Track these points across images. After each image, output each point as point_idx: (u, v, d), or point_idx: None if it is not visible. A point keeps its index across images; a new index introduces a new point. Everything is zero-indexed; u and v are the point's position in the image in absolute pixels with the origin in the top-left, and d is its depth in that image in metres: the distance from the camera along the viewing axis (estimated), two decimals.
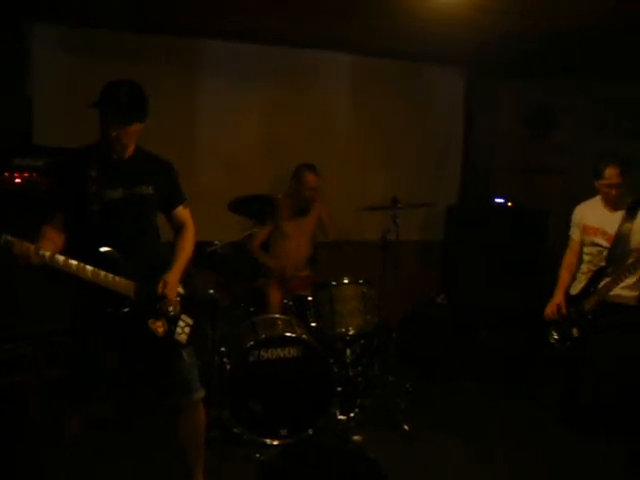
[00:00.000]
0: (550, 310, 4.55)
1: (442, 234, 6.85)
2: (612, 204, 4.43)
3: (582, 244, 4.60)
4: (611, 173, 4.32)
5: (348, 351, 4.83)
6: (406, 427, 4.61)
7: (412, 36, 5.46)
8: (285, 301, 5.08)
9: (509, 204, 6.41)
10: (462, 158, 7.05)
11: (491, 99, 7.08)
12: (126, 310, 3.16)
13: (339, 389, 4.56)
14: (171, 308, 3.30)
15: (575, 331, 4.40)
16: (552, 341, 4.54)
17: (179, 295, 3.36)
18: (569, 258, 4.68)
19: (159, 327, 3.27)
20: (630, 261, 4.22)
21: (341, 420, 4.56)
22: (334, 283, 4.83)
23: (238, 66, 6.01)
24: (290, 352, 4.43)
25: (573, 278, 4.61)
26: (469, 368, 5.71)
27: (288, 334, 4.46)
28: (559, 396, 4.84)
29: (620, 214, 4.40)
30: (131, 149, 3.25)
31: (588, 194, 4.66)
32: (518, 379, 5.63)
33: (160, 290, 3.22)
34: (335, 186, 6.05)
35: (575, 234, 4.65)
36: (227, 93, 6.00)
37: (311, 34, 5.70)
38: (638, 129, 7.53)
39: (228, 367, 4.37)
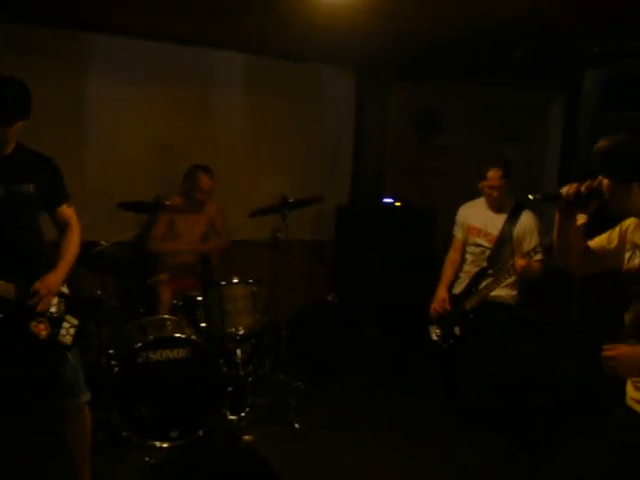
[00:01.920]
0: (435, 306, 4.66)
1: (333, 233, 6.92)
2: (495, 206, 4.56)
3: (465, 243, 4.72)
4: (494, 175, 4.46)
5: (238, 351, 4.81)
6: (297, 425, 4.65)
7: (302, 37, 5.49)
8: (175, 301, 5.02)
9: (397, 204, 6.55)
10: (352, 158, 7.13)
11: (381, 101, 7.20)
12: (1, 316, 3.06)
13: (229, 389, 4.52)
14: (54, 309, 3.21)
15: (457, 330, 4.52)
16: (434, 338, 4.64)
17: (63, 295, 3.27)
18: (452, 255, 4.80)
19: (42, 330, 3.17)
20: (511, 262, 4.35)
21: (232, 420, 4.53)
22: (223, 283, 4.81)
23: (131, 63, 5.88)
24: (179, 353, 4.37)
25: (457, 276, 4.73)
26: (358, 365, 5.81)
27: (177, 335, 4.41)
28: (442, 392, 4.97)
29: (503, 216, 4.54)
30: (11, 146, 3.14)
31: (474, 195, 4.79)
32: (405, 375, 5.77)
33: (34, 289, 3.12)
34: (227, 186, 6.02)
35: (458, 233, 4.78)
36: (119, 91, 5.86)
37: (203, 32, 5.66)
38: (519, 133, 7.85)
39: (116, 369, 4.27)
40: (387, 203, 6.61)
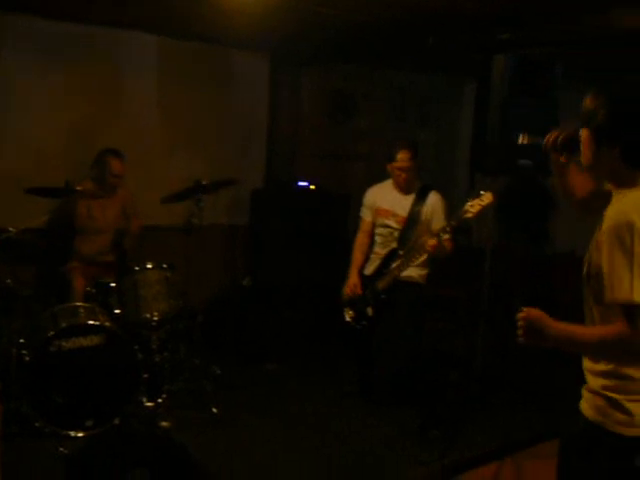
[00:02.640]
0: (347, 290, 4.71)
1: (248, 217, 6.90)
2: (403, 187, 4.63)
3: (374, 225, 4.77)
4: (403, 157, 4.52)
5: (154, 337, 4.77)
6: (214, 410, 4.65)
7: (214, 20, 5.42)
8: (88, 288, 4.92)
9: (312, 187, 6.58)
10: (267, 142, 7.12)
11: (295, 85, 7.22)
12: None
13: (145, 376, 4.49)
14: None
15: (370, 310, 4.58)
16: (348, 320, 4.69)
17: None
18: (361, 238, 4.84)
19: None
20: (420, 242, 4.41)
21: (148, 407, 4.51)
22: (137, 268, 4.74)
23: (39, 44, 5.69)
24: (93, 341, 4.30)
25: (367, 258, 4.78)
26: (275, 348, 5.85)
27: (90, 322, 4.33)
28: (357, 372, 5.05)
29: (411, 197, 4.62)
30: None
31: (387, 178, 4.85)
32: (321, 357, 5.84)
33: None
34: (139, 170, 5.92)
35: (366, 215, 4.81)
36: (29, 72, 5.69)
37: (116, 14, 5.53)
38: (431, 117, 8.01)
39: (27, 358, 4.15)
40: (301, 187, 6.64)
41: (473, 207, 4.11)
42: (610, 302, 2.05)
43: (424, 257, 4.47)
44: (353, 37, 5.93)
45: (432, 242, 4.25)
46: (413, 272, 4.54)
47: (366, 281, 4.66)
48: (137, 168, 5.80)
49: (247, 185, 6.74)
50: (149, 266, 4.78)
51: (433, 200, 4.57)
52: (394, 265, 4.52)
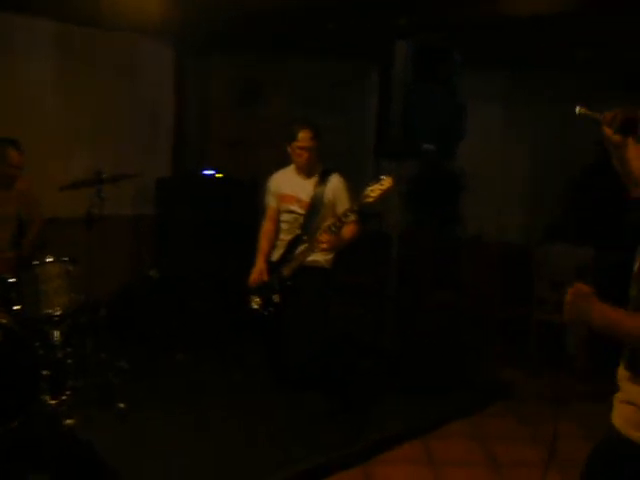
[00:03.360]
0: (253, 277, 4.67)
1: (154, 207, 6.77)
2: (305, 170, 4.57)
3: (279, 212, 4.73)
4: (304, 135, 4.47)
5: (56, 333, 4.62)
6: (121, 405, 4.55)
7: (112, 5, 5.29)
8: None
9: (218, 175, 6.51)
10: (174, 130, 7.00)
11: (203, 72, 7.12)
12: None
13: (46, 373, 4.34)
14: None
15: (276, 297, 4.55)
16: (255, 307, 4.65)
17: None
18: (266, 225, 4.79)
19: None
20: (324, 227, 4.34)
21: (51, 405, 4.35)
22: (37, 263, 4.58)
23: None
24: None
25: (274, 245, 4.75)
26: (184, 339, 5.78)
27: None
28: (266, 360, 5.02)
29: (313, 181, 4.58)
30: None
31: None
32: (230, 346, 5.81)
33: None
34: (38, 161, 5.71)
35: (271, 202, 4.76)
36: None
37: None
38: (340, 103, 8.03)
39: None
40: (208, 175, 6.55)
41: (373, 192, 4.11)
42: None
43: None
44: (257, 24, 5.88)
45: (323, 239, 4.23)
46: (318, 257, 4.51)
47: (272, 268, 4.62)
48: (36, 158, 5.59)
49: (154, 174, 6.62)
50: (49, 260, 4.62)
51: (334, 183, 4.54)
52: (299, 251, 4.49)
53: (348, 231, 4.43)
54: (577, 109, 2.27)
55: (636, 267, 2.02)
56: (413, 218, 7.20)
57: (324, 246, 4.28)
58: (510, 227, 7.42)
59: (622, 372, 2.11)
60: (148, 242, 6.77)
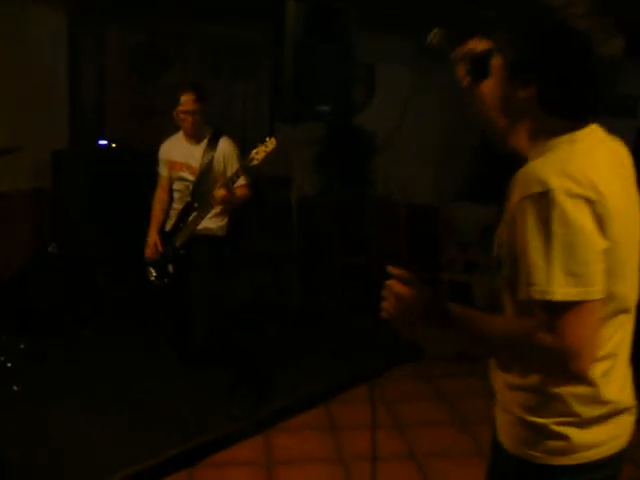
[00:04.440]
0: (149, 251, 4.55)
1: (51, 181, 6.51)
2: (192, 134, 4.44)
3: (172, 180, 4.60)
4: (187, 99, 4.34)
5: None
6: (15, 387, 4.39)
7: None
8: None
9: (113, 146, 6.30)
10: (69, 101, 6.72)
11: (98, 40, 6.84)
12: None
13: None
14: None
15: (171, 267, 4.45)
16: (152, 279, 4.55)
17: None
18: (159, 194, 4.67)
19: None
20: (213, 193, 4.22)
21: None
22: None
23: None
24: None
25: (168, 216, 4.62)
26: (88, 316, 5.61)
27: None
28: (170, 332, 4.92)
29: (202, 146, 4.46)
30: None
31: None
32: (135, 321, 5.66)
33: None
34: None
35: (163, 170, 4.64)
36: None
37: None
38: (247, 69, 7.86)
39: None
40: (103, 146, 6.33)
41: (258, 154, 4.03)
42: (524, 298, 1.53)
43: (220, 208, 4.33)
44: None
45: (221, 192, 4.12)
46: (211, 224, 4.40)
47: (166, 238, 4.51)
48: None
49: (50, 146, 6.36)
50: None
51: (224, 146, 4.42)
52: (190, 219, 4.39)
53: (240, 193, 4.33)
54: (431, 36, 1.99)
55: (494, 251, 1.74)
56: (322, 181, 7.12)
57: (218, 201, 4.16)
58: (420, 188, 7.41)
59: (496, 376, 1.82)
60: (47, 217, 6.52)
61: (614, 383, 1.67)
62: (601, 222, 1.49)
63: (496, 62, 1.65)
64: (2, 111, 6.15)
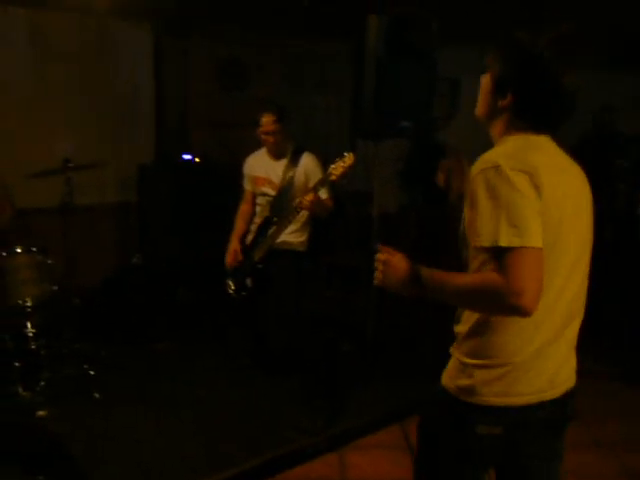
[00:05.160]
0: (229, 258, 4.61)
1: (136, 194, 6.67)
2: (274, 152, 4.53)
3: (254, 195, 4.67)
4: (266, 120, 4.42)
5: (28, 324, 4.56)
6: (97, 395, 4.49)
7: None
8: None
9: (197, 160, 6.41)
10: (155, 115, 6.89)
11: (182, 54, 6.99)
12: None
13: (18, 364, 4.29)
14: None
15: (249, 281, 4.49)
16: (230, 292, 4.61)
17: None
18: (243, 207, 4.78)
19: None
20: (294, 206, 4.28)
21: (25, 397, 4.31)
22: (4, 254, 4.51)
23: None
24: None
25: (249, 230, 4.68)
26: (167, 327, 5.70)
27: None
28: (249, 343, 4.95)
29: (284, 162, 4.51)
30: None
31: None
32: (214, 332, 5.73)
33: None
34: (7, 149, 5.64)
35: (247, 185, 4.75)
36: None
37: None
38: (324, 83, 7.90)
39: None
40: (186, 160, 6.45)
41: (336, 169, 4.03)
42: (477, 247, 1.89)
43: (300, 224, 4.35)
44: (235, 3, 5.76)
45: (309, 197, 4.14)
46: (292, 238, 4.45)
47: (245, 251, 4.57)
48: (8, 147, 5.54)
49: (135, 160, 6.54)
50: (18, 250, 4.55)
51: (306, 162, 4.46)
52: (269, 233, 4.42)
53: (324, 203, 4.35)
54: None
55: (460, 228, 2.05)
56: (404, 197, 7.08)
57: (307, 204, 4.17)
58: None
59: (454, 324, 2.17)
60: (132, 229, 6.68)
61: (530, 347, 1.97)
62: (538, 191, 1.85)
63: (485, 78, 2.10)
64: (89, 126, 6.37)
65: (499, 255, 1.80)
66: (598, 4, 5.41)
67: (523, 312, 1.78)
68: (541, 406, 2.01)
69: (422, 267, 2.00)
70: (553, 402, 2.03)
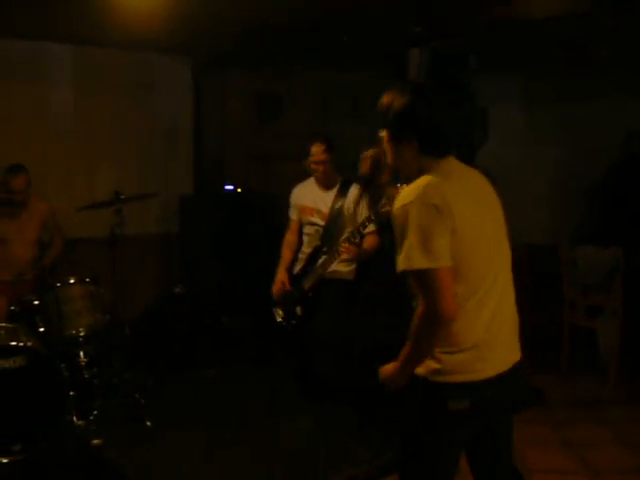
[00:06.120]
0: (276, 288, 4.68)
1: (178, 225, 6.80)
2: (324, 182, 4.59)
3: (301, 224, 4.74)
4: (317, 150, 4.49)
5: (81, 353, 4.66)
6: (148, 423, 4.56)
7: (127, 26, 5.33)
8: (12, 308, 4.76)
9: (238, 190, 6.52)
10: (193, 147, 7.04)
11: (220, 87, 7.15)
12: None
13: (72, 394, 4.37)
14: None
15: (299, 309, 4.55)
16: (279, 320, 4.67)
17: None
18: (289, 237, 4.82)
19: None
20: (343, 238, 4.35)
21: (79, 425, 4.38)
22: (59, 284, 4.63)
23: None
24: (16, 362, 4.11)
25: (297, 258, 4.75)
26: (212, 356, 5.78)
27: (12, 343, 4.16)
28: (295, 372, 5.01)
29: (333, 192, 4.58)
30: None
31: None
32: (259, 360, 5.80)
33: None
34: (58, 182, 5.78)
35: (293, 214, 4.79)
36: None
37: (24, 23, 5.39)
38: (361, 112, 7.99)
39: None
40: (229, 190, 6.57)
41: (385, 207, 4.07)
42: (399, 270, 2.25)
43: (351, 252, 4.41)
44: (272, 37, 5.89)
45: (344, 247, 4.23)
46: (340, 268, 4.50)
47: (295, 280, 4.63)
48: (57, 180, 5.67)
49: (175, 192, 6.67)
50: (72, 281, 4.68)
51: (355, 193, 4.53)
52: (319, 263, 4.49)
53: (368, 242, 4.42)
54: None
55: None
56: None
57: (344, 254, 4.27)
58: (536, 229, 7.31)
59: None
60: (174, 260, 6.80)
61: (477, 334, 2.34)
62: (446, 218, 2.21)
63: (385, 135, 2.43)
64: (131, 159, 6.52)
65: (416, 275, 2.25)
66: (630, 32, 5.47)
67: (444, 319, 2.22)
68: (498, 379, 2.37)
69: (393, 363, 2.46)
70: (505, 375, 2.40)
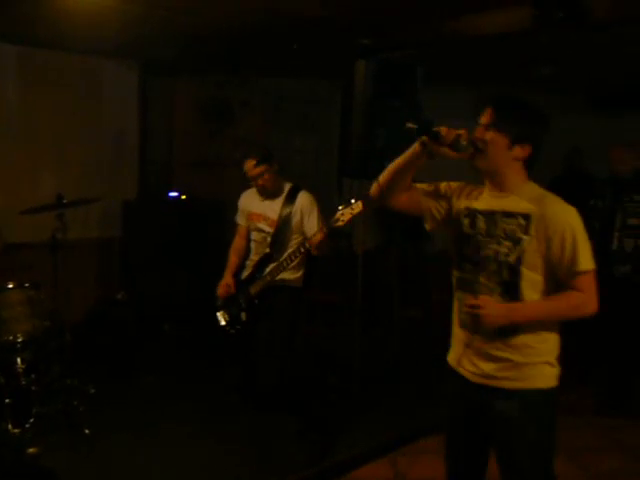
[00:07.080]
0: (221, 290, 4.66)
1: (120, 230, 6.72)
2: (267, 193, 4.58)
3: (249, 230, 4.73)
4: (248, 167, 4.48)
5: (19, 359, 4.54)
6: (87, 430, 4.47)
7: (75, 28, 5.26)
8: None
9: (183, 197, 6.49)
10: (139, 153, 6.97)
11: (167, 94, 7.11)
12: None
13: (7, 401, 4.27)
14: None
15: (244, 315, 4.54)
16: (222, 324, 4.65)
17: None
18: (236, 242, 4.81)
19: None
20: (292, 244, 4.40)
21: (14, 433, 4.28)
22: None
23: None
24: None
25: (244, 265, 4.74)
26: (154, 362, 5.73)
27: None
28: (238, 379, 4.99)
29: (281, 199, 4.58)
30: None
31: None
32: (200, 366, 5.77)
33: None
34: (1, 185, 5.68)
35: (241, 220, 4.78)
36: None
37: None
38: (309, 122, 8.03)
39: None
40: (173, 197, 6.53)
41: (344, 215, 4.06)
42: (576, 271, 2.47)
43: (297, 260, 4.42)
44: (222, 44, 5.87)
45: (319, 237, 4.17)
46: (289, 275, 4.50)
47: (240, 286, 4.62)
48: None
49: (120, 196, 6.60)
50: (10, 286, 4.56)
51: (302, 200, 4.52)
52: (267, 270, 4.49)
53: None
54: (408, 125, 2.70)
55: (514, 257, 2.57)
56: (384, 236, 7.20)
57: (317, 243, 4.20)
58: None
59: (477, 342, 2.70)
60: (115, 265, 6.72)
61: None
62: None
63: (496, 134, 2.54)
64: (75, 163, 6.44)
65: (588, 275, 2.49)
66: (575, 51, 5.62)
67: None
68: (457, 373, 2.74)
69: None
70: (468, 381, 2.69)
